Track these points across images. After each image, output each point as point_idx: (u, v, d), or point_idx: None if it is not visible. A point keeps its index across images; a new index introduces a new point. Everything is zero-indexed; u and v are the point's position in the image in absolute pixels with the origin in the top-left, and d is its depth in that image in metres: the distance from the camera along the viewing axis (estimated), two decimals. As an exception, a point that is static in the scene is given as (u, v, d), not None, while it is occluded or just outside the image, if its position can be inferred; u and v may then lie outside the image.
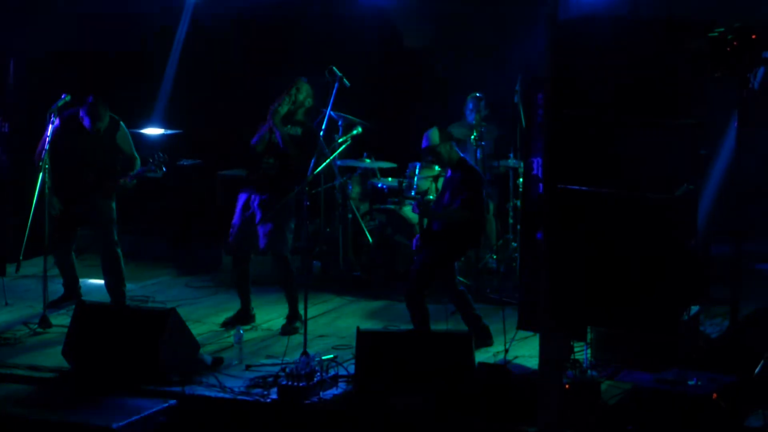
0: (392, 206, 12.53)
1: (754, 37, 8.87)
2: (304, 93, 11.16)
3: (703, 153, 8.96)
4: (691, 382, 8.57)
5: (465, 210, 10.31)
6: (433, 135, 10.47)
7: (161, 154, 11.31)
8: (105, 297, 11.43)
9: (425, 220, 10.74)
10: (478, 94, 13.04)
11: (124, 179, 11.24)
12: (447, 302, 10.95)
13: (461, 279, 11.35)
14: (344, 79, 12.79)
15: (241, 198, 11.12)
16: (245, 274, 11.22)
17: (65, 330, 10.09)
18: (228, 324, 11.08)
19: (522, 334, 10.23)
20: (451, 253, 10.51)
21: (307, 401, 9.20)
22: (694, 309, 10.00)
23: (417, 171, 12.47)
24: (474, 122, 12.73)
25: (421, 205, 10.56)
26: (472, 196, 10.37)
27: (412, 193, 12.46)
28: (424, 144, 10.55)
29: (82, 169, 11.21)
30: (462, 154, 10.69)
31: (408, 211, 12.40)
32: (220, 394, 9.37)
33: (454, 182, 10.50)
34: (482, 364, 9.33)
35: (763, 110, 10.19)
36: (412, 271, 10.48)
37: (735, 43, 8.74)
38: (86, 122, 11.10)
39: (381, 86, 15.12)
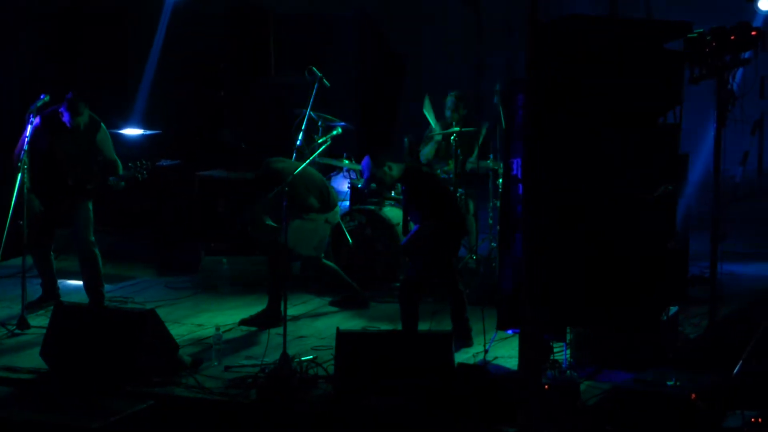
0: (372, 207, 12.52)
1: (732, 38, 8.91)
2: None
3: (681, 154, 8.99)
4: (670, 383, 8.59)
5: (426, 221, 10.32)
6: (369, 164, 10.48)
7: (144, 161, 11.28)
8: (83, 298, 11.40)
9: (410, 224, 10.78)
10: (457, 93, 13.04)
11: (114, 179, 11.19)
12: (430, 301, 10.97)
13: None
14: (324, 80, 12.81)
15: None
16: None
17: (43, 331, 10.05)
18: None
19: (501, 334, 10.25)
20: (440, 254, 10.47)
21: (286, 402, 9.18)
22: (673, 309, 10.03)
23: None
24: (453, 121, 12.73)
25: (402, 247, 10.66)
26: (426, 202, 10.37)
27: (392, 194, 12.46)
28: (364, 176, 10.60)
29: (62, 170, 11.17)
30: (405, 164, 10.72)
31: (388, 211, 12.41)
32: (200, 395, 9.35)
33: (407, 195, 10.56)
34: (462, 365, 9.34)
35: (741, 111, 10.23)
36: (408, 273, 10.49)
37: (713, 44, 8.78)
38: (66, 118, 11.06)
39: (361, 87, 15.13)
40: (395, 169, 10.50)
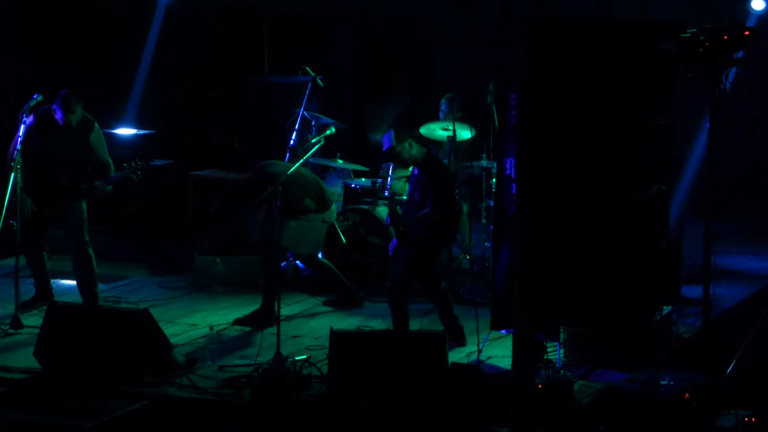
0: (366, 206, 12.53)
1: (726, 38, 8.90)
2: None
3: (675, 154, 9.00)
4: (663, 382, 8.59)
5: (437, 208, 10.31)
6: (390, 137, 10.49)
7: (139, 162, 11.27)
8: (77, 297, 11.38)
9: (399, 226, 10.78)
10: (452, 95, 13.05)
11: (101, 184, 11.16)
12: (423, 301, 10.97)
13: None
14: (318, 79, 12.81)
15: None
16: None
17: (37, 331, 10.03)
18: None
19: (495, 334, 10.25)
20: (429, 251, 10.51)
21: (280, 402, 9.18)
22: (667, 309, 10.03)
23: (390, 171, 12.48)
24: (448, 122, 12.73)
25: (394, 217, 10.57)
26: (440, 191, 10.36)
27: (386, 194, 12.46)
28: (384, 147, 10.58)
29: (56, 170, 11.15)
30: (427, 149, 10.70)
31: (381, 211, 12.41)
32: (193, 395, 9.34)
33: (422, 180, 10.51)
34: (455, 365, 9.34)
35: (734, 111, 10.24)
36: (395, 273, 10.49)
37: (707, 43, 8.77)
38: (58, 115, 11.03)
39: (355, 87, 15.13)
40: (415, 149, 10.49)
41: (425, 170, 10.48)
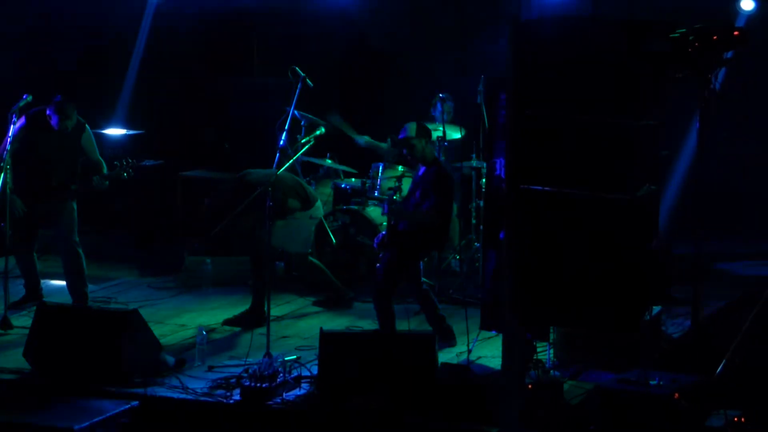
0: (355, 207, 12.52)
1: (715, 38, 8.91)
2: None
3: (664, 154, 9.01)
4: (653, 382, 8.60)
5: (434, 213, 10.32)
6: (411, 128, 10.51)
7: (130, 160, 11.26)
8: (67, 298, 11.37)
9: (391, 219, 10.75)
10: (444, 95, 13.04)
11: (98, 178, 11.14)
12: (411, 302, 10.96)
13: (425, 279, 11.37)
14: (307, 80, 12.80)
15: None
16: None
17: (26, 331, 10.02)
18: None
19: (485, 334, 10.25)
20: (416, 253, 10.53)
21: (269, 402, 9.18)
22: (656, 309, 10.04)
23: (380, 171, 12.48)
24: (440, 123, 12.74)
25: (391, 204, 10.55)
26: (443, 199, 10.39)
27: (376, 194, 12.46)
28: (401, 135, 10.58)
29: (46, 172, 11.14)
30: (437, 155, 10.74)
31: (371, 211, 12.40)
32: (183, 396, 9.34)
33: (426, 181, 10.49)
34: (445, 365, 9.34)
35: (723, 111, 10.25)
36: (379, 272, 10.48)
37: (696, 44, 8.77)
38: (54, 121, 11.02)
39: (345, 87, 15.12)
40: (429, 149, 10.57)
41: (435, 174, 10.47)
